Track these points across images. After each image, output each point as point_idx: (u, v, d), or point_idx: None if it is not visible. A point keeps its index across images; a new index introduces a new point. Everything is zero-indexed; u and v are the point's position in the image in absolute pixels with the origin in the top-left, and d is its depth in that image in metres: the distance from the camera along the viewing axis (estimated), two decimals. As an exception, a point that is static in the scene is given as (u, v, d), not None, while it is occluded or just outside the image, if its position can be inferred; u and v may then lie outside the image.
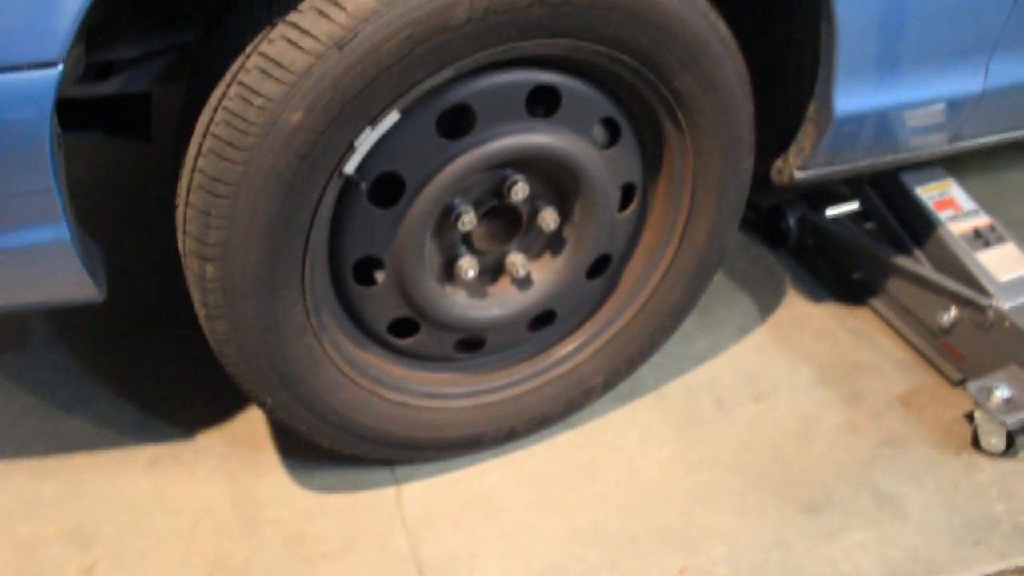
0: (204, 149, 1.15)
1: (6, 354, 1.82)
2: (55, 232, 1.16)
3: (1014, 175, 2.57)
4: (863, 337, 1.97)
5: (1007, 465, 1.68)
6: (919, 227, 1.91)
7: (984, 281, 1.78)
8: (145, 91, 1.60)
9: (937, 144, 1.67)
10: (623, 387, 1.76)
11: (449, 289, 1.45)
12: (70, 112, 1.60)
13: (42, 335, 1.86)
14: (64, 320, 1.89)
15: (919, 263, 1.91)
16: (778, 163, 1.61)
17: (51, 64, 1.02)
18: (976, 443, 1.71)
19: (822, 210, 2.11)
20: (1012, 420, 1.65)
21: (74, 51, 1.09)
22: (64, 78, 1.04)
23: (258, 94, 1.09)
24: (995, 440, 1.68)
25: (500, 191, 1.38)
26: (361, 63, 1.09)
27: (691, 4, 1.27)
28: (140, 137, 1.71)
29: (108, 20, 1.37)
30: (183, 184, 1.21)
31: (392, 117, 1.18)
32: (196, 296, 1.26)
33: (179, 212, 1.23)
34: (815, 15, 1.36)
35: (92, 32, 1.28)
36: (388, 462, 1.60)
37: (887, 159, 1.65)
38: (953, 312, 1.82)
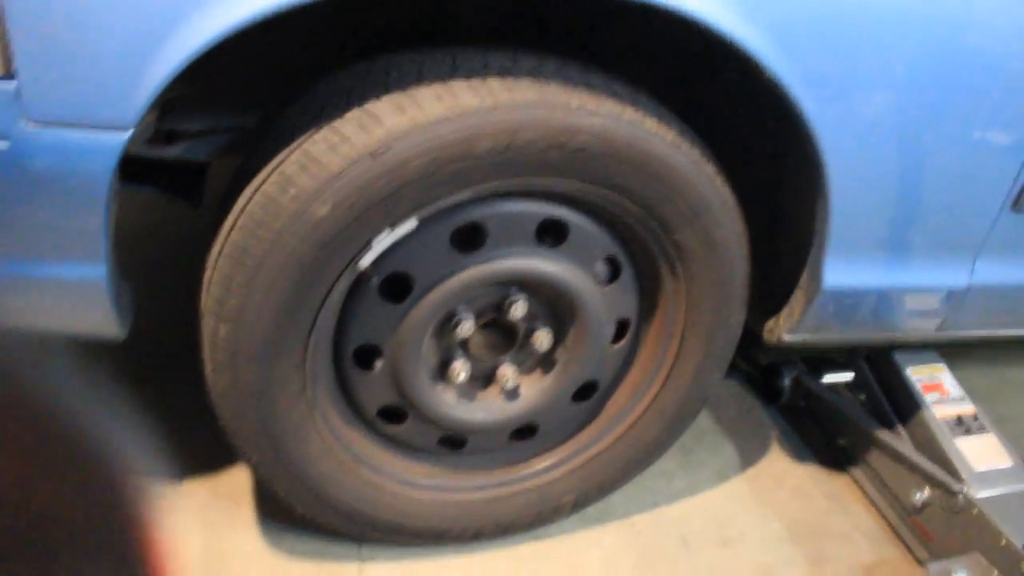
0: (239, 223, 1.28)
1: None
2: (95, 271, 1.28)
3: (1017, 372, 2.62)
4: (838, 502, 2.01)
5: (960, 655, 1.69)
6: (905, 405, 1.97)
7: (959, 466, 1.83)
8: (204, 160, 1.76)
9: (924, 329, 1.75)
10: (593, 509, 1.82)
11: (440, 387, 1.54)
12: (132, 167, 1.76)
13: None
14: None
15: (900, 440, 1.96)
16: (770, 323, 1.70)
17: (123, 128, 1.16)
18: (931, 627, 1.73)
19: (818, 375, 2.18)
20: (966, 610, 1.67)
21: (147, 118, 1.24)
22: (132, 140, 1.18)
23: (294, 184, 1.23)
24: (948, 627, 1.70)
25: (501, 306, 1.48)
26: (389, 174, 1.22)
27: (698, 167, 1.40)
28: (192, 201, 1.85)
29: (182, 94, 1.54)
30: (215, 250, 1.33)
31: (410, 223, 1.31)
32: (206, 351, 1.37)
33: (206, 274, 1.35)
34: (813, 196, 1.47)
35: (166, 103, 1.44)
36: (356, 539, 1.66)
37: (874, 336, 1.74)
38: (927, 492, 1.86)
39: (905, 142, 1.43)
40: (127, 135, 1.15)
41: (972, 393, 2.02)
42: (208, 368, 1.37)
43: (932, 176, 1.48)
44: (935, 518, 1.85)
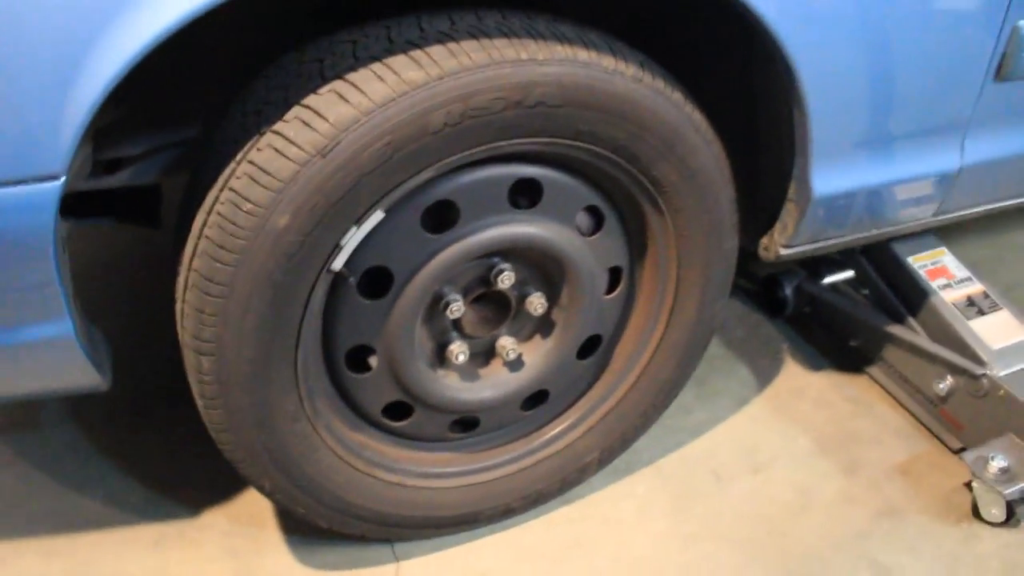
0: (199, 250, 1.21)
1: (17, 432, 1.87)
2: (59, 328, 1.21)
3: (1015, 236, 2.58)
4: (861, 405, 1.98)
5: (1009, 536, 1.67)
6: (912, 296, 1.93)
7: (977, 349, 1.80)
8: (155, 182, 1.67)
9: (921, 217, 1.70)
10: (619, 461, 1.78)
11: (441, 373, 1.49)
12: (81, 202, 1.68)
13: (53, 413, 1.92)
14: (75, 399, 1.95)
15: (914, 332, 1.92)
16: (764, 240, 1.65)
17: (54, 177, 1.08)
18: (976, 513, 1.71)
19: (819, 278, 2.14)
20: (1009, 490, 1.64)
21: (81, 154, 1.15)
22: (70, 180, 1.10)
23: (247, 200, 1.15)
24: (995, 510, 1.68)
25: (488, 279, 1.42)
26: (343, 169, 1.14)
27: (665, 96, 1.32)
28: (150, 224, 1.78)
29: (114, 122, 1.45)
30: (180, 281, 1.26)
31: (377, 216, 1.24)
32: (194, 387, 1.31)
33: (177, 307, 1.29)
34: (787, 103, 1.40)
35: (99, 133, 1.35)
36: (386, 540, 1.63)
37: (873, 233, 1.68)
38: (949, 381, 1.83)
39: (874, 26, 1.36)
40: (59, 183, 1.07)
41: (974, 267, 1.98)
42: (200, 404, 1.31)
43: (908, 58, 1.41)
44: (961, 405, 1.82)
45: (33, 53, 1.00)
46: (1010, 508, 1.68)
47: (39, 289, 1.16)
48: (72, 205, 1.65)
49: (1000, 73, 1.48)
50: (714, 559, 1.63)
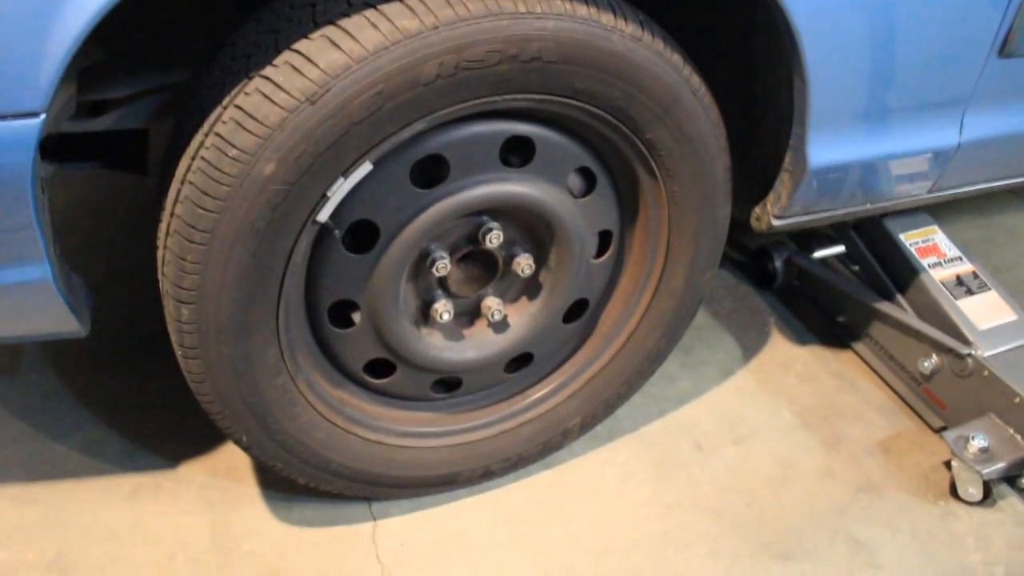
0: (181, 196, 1.18)
1: (-3, 379, 1.86)
2: (38, 271, 1.18)
3: (1006, 218, 2.58)
4: (846, 381, 1.97)
5: (985, 514, 1.68)
6: (902, 273, 1.92)
7: (964, 329, 1.79)
8: (142, 126, 1.64)
9: (916, 194, 1.68)
10: (602, 427, 1.77)
11: (425, 331, 1.47)
12: (66, 145, 1.64)
13: (33, 360, 1.89)
14: (56, 346, 1.92)
15: (902, 309, 1.92)
16: (757, 210, 1.63)
17: (33, 114, 1.05)
18: (954, 492, 1.71)
19: (809, 252, 2.13)
20: (988, 470, 1.65)
21: (63, 93, 1.12)
22: (51, 120, 1.06)
23: (232, 145, 1.12)
24: (972, 489, 1.69)
25: (475, 237, 1.40)
26: (332, 117, 1.11)
27: (663, 58, 1.30)
28: (136, 170, 1.74)
29: (100, 62, 1.41)
30: (162, 227, 1.24)
31: (365, 168, 1.21)
32: (173, 336, 1.28)
33: (159, 254, 1.26)
34: (788, 71, 1.38)
35: (84, 72, 1.32)
36: (365, 498, 1.62)
37: (866, 207, 1.67)
38: (934, 359, 1.82)
39: (879, -3, 1.33)
40: (38, 121, 1.04)
41: (965, 247, 1.97)
42: (179, 354, 1.29)
43: (912, 30, 1.39)
44: (945, 384, 1.82)
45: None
46: (987, 487, 1.69)
47: (18, 231, 1.13)
48: (56, 148, 1.62)
49: (1004, 49, 1.46)
50: (692, 529, 1.63)
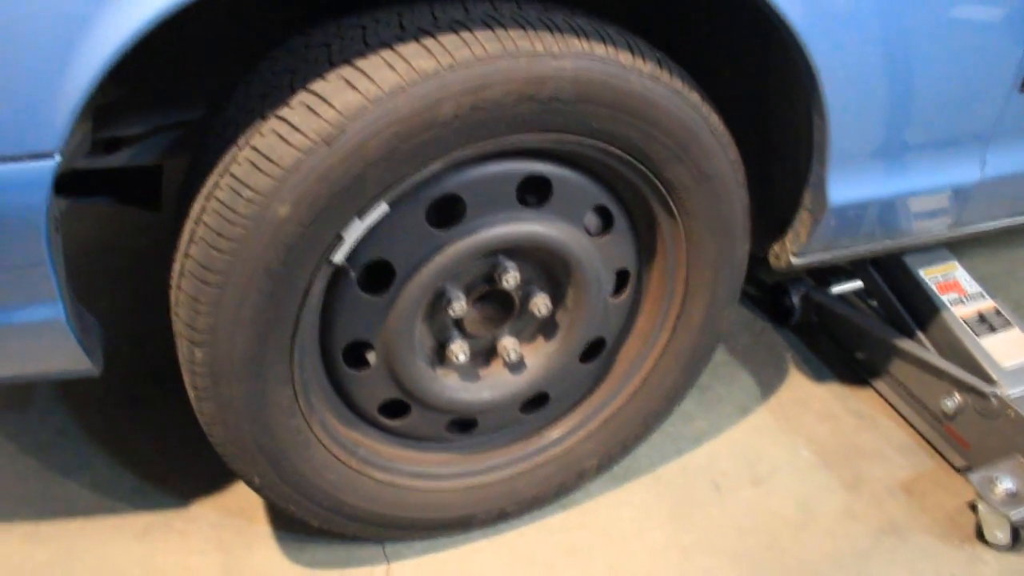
0: (195, 237, 1.17)
1: (7, 414, 1.84)
2: (50, 311, 1.17)
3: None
4: (866, 419, 1.94)
5: (1012, 560, 1.64)
6: (922, 310, 1.89)
7: (987, 367, 1.76)
8: (156, 163, 1.63)
9: (937, 230, 1.66)
10: (618, 467, 1.74)
11: (440, 372, 1.45)
12: (80, 181, 1.64)
13: (44, 397, 1.88)
14: (67, 382, 1.91)
15: (923, 346, 1.89)
16: (775, 248, 1.61)
17: (48, 155, 1.04)
18: (980, 535, 1.67)
19: (827, 287, 2.10)
20: (1016, 514, 1.61)
21: (79, 131, 1.11)
22: (67, 158, 1.06)
23: (247, 186, 1.11)
24: (999, 533, 1.65)
25: (492, 277, 1.38)
26: (348, 159, 1.10)
27: (682, 97, 1.28)
28: (150, 207, 1.74)
29: (115, 100, 1.41)
30: (176, 268, 1.22)
31: (381, 209, 1.19)
32: (186, 377, 1.27)
33: (171, 295, 1.25)
34: (807, 108, 1.36)
35: (99, 110, 1.31)
36: (378, 540, 1.59)
37: (886, 244, 1.65)
38: (957, 398, 1.79)
39: (898, 33, 1.32)
40: (53, 162, 1.03)
41: (983, 282, 1.94)
42: (191, 395, 1.28)
43: (932, 66, 1.37)
44: (969, 423, 1.78)
45: (30, 29, 0.96)
46: (1015, 532, 1.65)
47: (30, 270, 1.12)
48: (70, 183, 1.62)
49: (1025, 85, 1.45)
50: (711, 573, 1.59)
